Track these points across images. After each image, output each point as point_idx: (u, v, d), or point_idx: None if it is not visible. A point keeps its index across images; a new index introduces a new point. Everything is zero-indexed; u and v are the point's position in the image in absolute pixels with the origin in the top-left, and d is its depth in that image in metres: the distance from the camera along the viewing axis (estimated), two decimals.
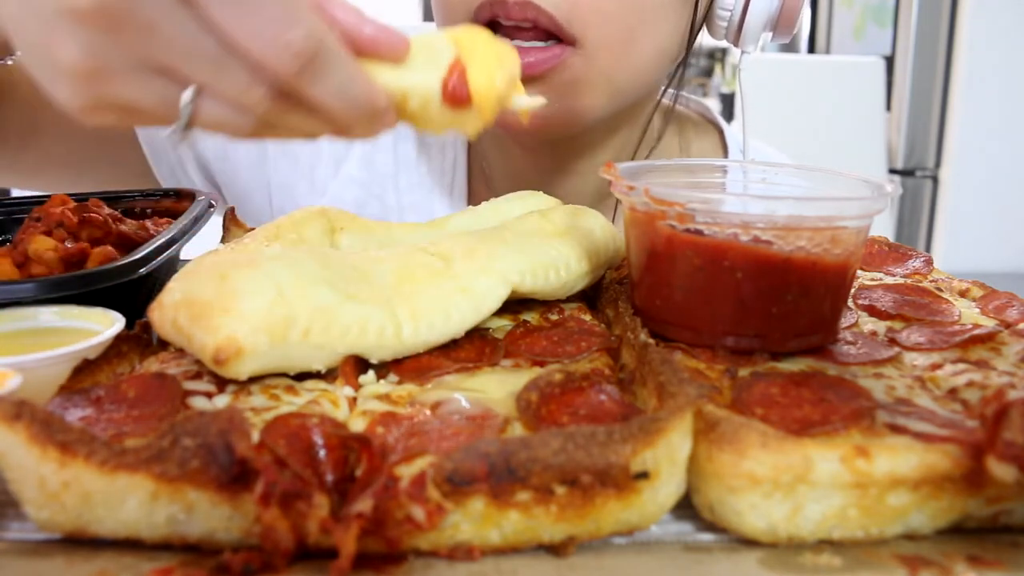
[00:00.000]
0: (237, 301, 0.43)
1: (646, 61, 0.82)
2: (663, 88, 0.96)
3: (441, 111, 0.51)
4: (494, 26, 0.76)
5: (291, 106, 0.49)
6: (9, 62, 0.73)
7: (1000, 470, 0.35)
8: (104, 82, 0.49)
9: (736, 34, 0.86)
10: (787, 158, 1.12)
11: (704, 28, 0.89)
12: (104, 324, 0.52)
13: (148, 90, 0.49)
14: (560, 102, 0.79)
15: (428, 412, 0.43)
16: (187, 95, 0.48)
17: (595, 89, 0.80)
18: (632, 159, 0.99)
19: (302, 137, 0.53)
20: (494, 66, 0.52)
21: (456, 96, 0.51)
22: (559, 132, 0.83)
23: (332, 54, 0.48)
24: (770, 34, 0.87)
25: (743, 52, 0.90)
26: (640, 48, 0.80)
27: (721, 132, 1.08)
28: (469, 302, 0.51)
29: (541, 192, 0.71)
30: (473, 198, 1.04)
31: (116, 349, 0.48)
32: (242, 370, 0.43)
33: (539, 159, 0.96)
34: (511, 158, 0.99)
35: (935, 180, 3.02)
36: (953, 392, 0.45)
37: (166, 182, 1.00)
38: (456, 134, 1.00)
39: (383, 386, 0.46)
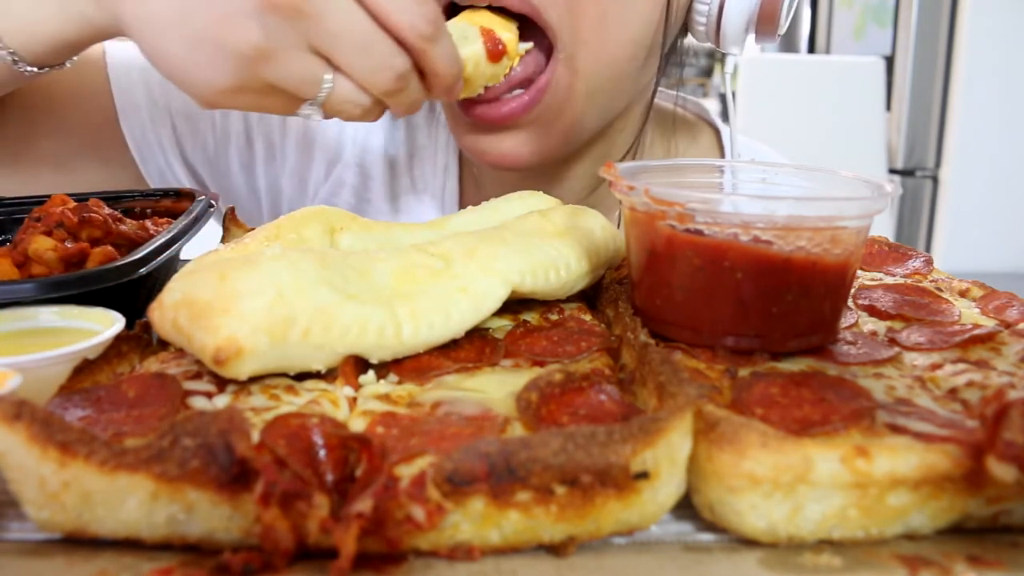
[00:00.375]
0: (237, 301, 0.43)
1: (620, 50, 0.81)
2: (653, 89, 0.95)
3: (486, 68, 0.73)
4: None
5: (409, 80, 0.63)
6: (26, 70, 0.73)
7: (1000, 470, 0.35)
8: (269, 62, 0.60)
9: (716, 34, 0.85)
10: (782, 157, 1.12)
11: (687, 30, 0.88)
12: (104, 324, 0.52)
13: (300, 68, 0.61)
14: (536, 136, 0.81)
15: (428, 412, 0.43)
16: (329, 74, 0.61)
17: (579, 96, 0.80)
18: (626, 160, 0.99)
19: (403, 111, 0.66)
20: (504, 26, 0.74)
21: (497, 52, 0.73)
22: (537, 162, 0.84)
23: (443, 25, 0.62)
24: (753, 35, 0.86)
25: (728, 55, 0.89)
26: (614, 37, 0.79)
27: (719, 133, 1.08)
28: (469, 302, 0.51)
29: (541, 192, 0.71)
30: (464, 203, 1.04)
31: (116, 349, 0.48)
32: (242, 370, 0.43)
33: (525, 171, 0.96)
34: (496, 170, 0.98)
35: (935, 180, 3.02)
36: (953, 392, 0.45)
37: (154, 183, 1.01)
38: (448, 138, 1.02)
39: (383, 386, 0.46)
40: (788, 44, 4.41)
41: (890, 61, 3.08)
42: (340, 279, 0.47)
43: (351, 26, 0.59)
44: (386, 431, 0.40)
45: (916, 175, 3.04)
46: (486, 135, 0.82)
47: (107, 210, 0.66)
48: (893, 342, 0.52)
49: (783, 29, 0.86)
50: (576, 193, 0.98)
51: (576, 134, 0.84)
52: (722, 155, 1.05)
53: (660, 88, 0.98)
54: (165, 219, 0.74)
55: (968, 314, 0.57)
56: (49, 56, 0.74)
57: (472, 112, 0.80)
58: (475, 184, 1.03)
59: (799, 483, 0.36)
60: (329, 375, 0.47)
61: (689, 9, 0.85)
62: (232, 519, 0.35)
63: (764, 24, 0.84)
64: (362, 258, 0.51)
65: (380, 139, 1.05)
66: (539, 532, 0.36)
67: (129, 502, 0.35)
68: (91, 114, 0.96)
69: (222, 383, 0.45)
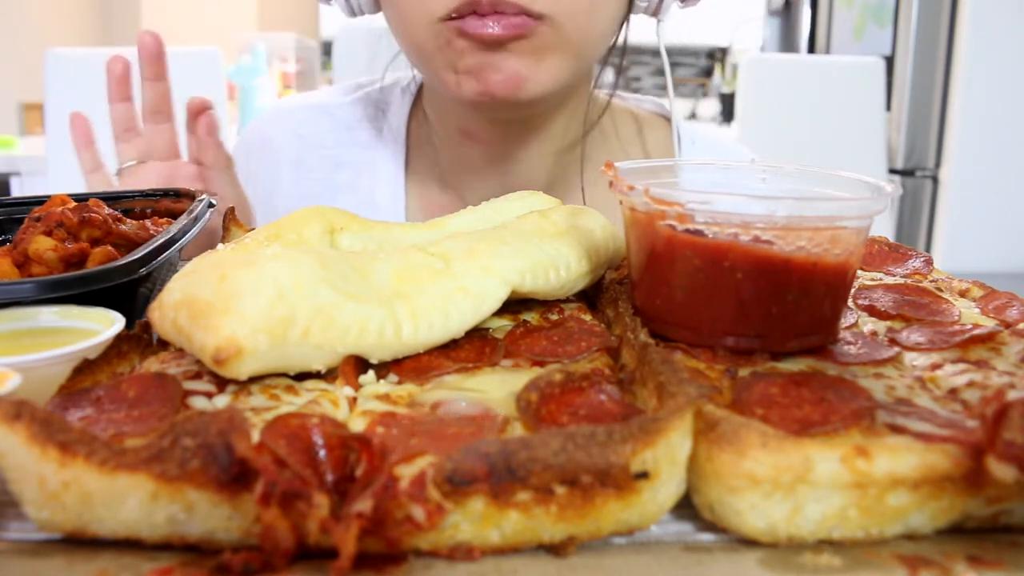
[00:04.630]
0: (237, 301, 0.43)
1: (605, 26, 0.90)
2: (599, 71, 1.03)
3: None
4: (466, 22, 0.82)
5: None
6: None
7: (1000, 470, 0.35)
8: None
9: (657, 5, 0.94)
10: (747, 148, 1.16)
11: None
12: (104, 324, 0.52)
13: None
14: (529, 65, 0.84)
15: (428, 412, 0.43)
16: None
17: (563, 53, 0.86)
18: (577, 146, 1.05)
19: None
20: None
21: None
22: (524, 97, 0.87)
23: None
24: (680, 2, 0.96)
25: (659, 21, 0.98)
26: (601, 15, 0.87)
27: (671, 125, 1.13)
28: (469, 302, 0.51)
29: (540, 192, 0.71)
30: (418, 193, 1.08)
31: (116, 349, 0.48)
32: (242, 370, 0.43)
33: (491, 150, 1.01)
34: (464, 151, 1.03)
35: (935, 180, 3.02)
36: (953, 392, 0.45)
37: None
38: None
39: (383, 386, 0.46)
40: (788, 44, 4.41)
41: (890, 61, 3.08)
42: (340, 279, 0.47)
43: None
44: (386, 431, 0.40)
45: (916, 175, 3.04)
46: (489, 54, 0.84)
47: (107, 210, 0.66)
48: (893, 342, 0.52)
49: None
50: (538, 184, 1.02)
51: (552, 77, 0.88)
52: (679, 144, 1.10)
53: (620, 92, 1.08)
54: (165, 219, 0.74)
55: (968, 314, 0.57)
56: None
57: (477, 29, 0.82)
58: (436, 173, 1.07)
59: (799, 483, 0.36)
60: (329, 375, 0.47)
61: None
62: (232, 519, 0.35)
63: None
64: (362, 258, 0.51)
65: (330, 138, 1.10)
66: (539, 532, 0.36)
67: (129, 502, 0.35)
68: None
69: (222, 383, 0.45)
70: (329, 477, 0.36)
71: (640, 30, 1.02)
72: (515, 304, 0.57)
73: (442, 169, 1.07)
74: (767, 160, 0.61)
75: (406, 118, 1.10)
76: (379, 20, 0.95)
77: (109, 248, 0.62)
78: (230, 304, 0.43)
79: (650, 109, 1.16)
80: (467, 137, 1.01)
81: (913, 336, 0.52)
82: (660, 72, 5.86)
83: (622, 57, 1.03)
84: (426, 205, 1.08)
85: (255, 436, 0.36)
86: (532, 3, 0.80)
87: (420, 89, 1.11)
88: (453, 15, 0.81)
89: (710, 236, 0.50)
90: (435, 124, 1.07)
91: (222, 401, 0.44)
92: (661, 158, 1.07)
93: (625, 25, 0.98)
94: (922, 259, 0.69)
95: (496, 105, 0.88)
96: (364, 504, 0.33)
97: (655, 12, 0.96)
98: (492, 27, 0.81)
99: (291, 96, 1.25)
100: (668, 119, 1.13)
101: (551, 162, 1.04)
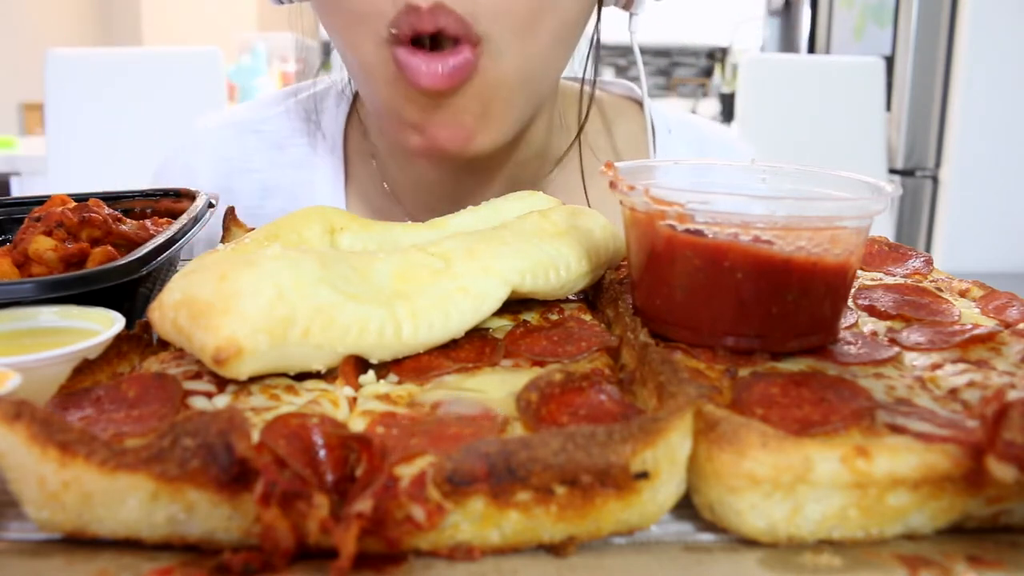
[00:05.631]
0: (237, 301, 0.43)
1: (551, 38, 0.80)
2: (565, 72, 0.94)
3: None
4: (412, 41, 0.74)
5: None
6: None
7: (1000, 470, 0.35)
8: None
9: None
10: (733, 133, 1.12)
11: None
12: (104, 324, 0.52)
13: None
14: (478, 116, 0.78)
15: (428, 412, 0.43)
16: None
17: (511, 90, 0.78)
18: (550, 151, 0.98)
19: None
20: None
21: None
22: (475, 151, 0.80)
23: None
24: None
25: (632, 14, 0.93)
26: (545, 26, 0.78)
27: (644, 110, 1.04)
28: (469, 302, 0.51)
29: (540, 192, 0.71)
30: (370, 216, 0.97)
31: (116, 349, 0.48)
32: (242, 370, 0.43)
33: (447, 168, 0.91)
34: (417, 167, 0.93)
35: (935, 180, 3.02)
36: (953, 392, 0.45)
37: None
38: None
39: (383, 386, 0.46)
40: (788, 44, 4.41)
41: (890, 61, 3.08)
42: (340, 279, 0.47)
43: None
44: (386, 431, 0.40)
45: (916, 175, 3.04)
46: (433, 109, 0.77)
47: (107, 210, 0.66)
48: (893, 342, 0.52)
49: None
50: (510, 188, 0.92)
51: (507, 115, 0.81)
52: (653, 131, 1.02)
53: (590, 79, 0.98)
54: (165, 219, 0.74)
55: (968, 314, 0.57)
56: None
57: (418, 80, 0.74)
58: (388, 196, 0.98)
59: (799, 483, 0.36)
60: (329, 375, 0.47)
61: None
62: (232, 519, 0.35)
63: None
64: (362, 258, 0.51)
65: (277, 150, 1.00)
66: (539, 532, 0.36)
67: (129, 502, 0.35)
68: None
69: (222, 383, 0.45)
70: (329, 477, 0.36)
71: (618, 30, 0.98)
72: (515, 304, 0.57)
73: (392, 189, 0.97)
74: (767, 160, 0.61)
75: (342, 129, 0.99)
76: None
77: (109, 248, 0.62)
78: (230, 304, 0.43)
79: (618, 92, 1.07)
80: (418, 156, 0.87)
81: (913, 336, 0.52)
82: (661, 72, 5.87)
83: (596, 50, 0.94)
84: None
85: (255, 436, 0.36)
86: (474, 19, 0.72)
87: (357, 95, 1.00)
88: (392, 30, 0.73)
89: (710, 236, 0.50)
90: (376, 139, 0.97)
91: (222, 401, 0.44)
92: (634, 150, 1.02)
93: (597, 20, 0.90)
94: (922, 259, 0.69)
95: (446, 157, 0.81)
96: (364, 504, 0.33)
97: (627, 6, 0.91)
98: (432, 76, 0.73)
99: (212, 115, 1.09)
100: (639, 103, 1.04)
101: (520, 171, 0.95)
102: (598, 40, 0.94)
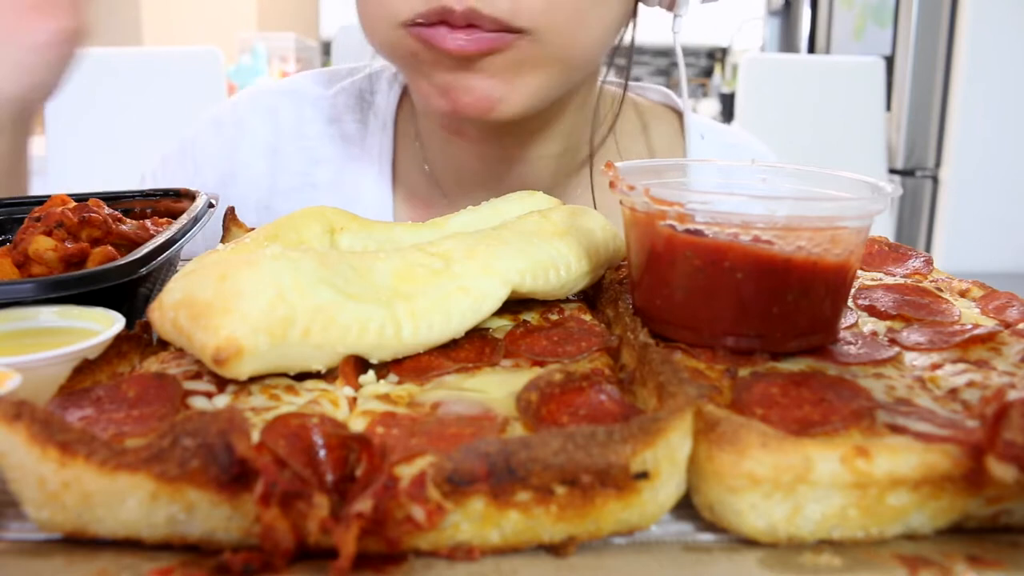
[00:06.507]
0: (237, 301, 0.43)
1: (597, 37, 0.82)
2: (606, 71, 0.97)
3: None
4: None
5: None
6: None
7: (1000, 470, 0.35)
8: None
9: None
10: (762, 143, 1.13)
11: None
12: (104, 324, 0.52)
13: None
14: (505, 82, 0.78)
15: (428, 412, 0.43)
16: None
17: (546, 68, 0.79)
18: (584, 147, 0.99)
19: None
20: None
21: None
22: (498, 118, 0.81)
23: None
24: None
25: (676, 16, 0.93)
26: (591, 26, 0.79)
27: (681, 117, 1.07)
28: (469, 302, 0.51)
29: (540, 192, 0.71)
30: (405, 197, 1.02)
31: (116, 349, 0.48)
32: (242, 370, 0.43)
33: (484, 149, 0.94)
34: (454, 150, 0.96)
35: (935, 180, 3.02)
36: (953, 392, 0.45)
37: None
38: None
39: (383, 386, 0.46)
40: (788, 44, 4.41)
41: (890, 61, 3.08)
42: (340, 279, 0.47)
43: None
44: (386, 431, 0.40)
45: (916, 175, 3.04)
46: (458, 72, 0.78)
47: (107, 210, 0.66)
48: (893, 342, 0.52)
49: None
50: (540, 186, 0.94)
51: (535, 93, 0.81)
52: (684, 140, 1.05)
53: (625, 81, 1.01)
54: (165, 219, 0.74)
55: (968, 314, 0.57)
56: None
57: (441, 42, 0.75)
58: (425, 176, 1.01)
59: (799, 483, 0.36)
60: (329, 375, 0.47)
61: None
62: (232, 519, 0.35)
63: None
64: (362, 258, 0.51)
65: (322, 132, 1.04)
66: (539, 532, 0.36)
67: (129, 502, 0.35)
68: None
69: (222, 383, 0.45)
70: (329, 477, 0.36)
71: (641, 29, 0.98)
72: (515, 304, 0.57)
73: (432, 170, 1.00)
74: (767, 160, 0.61)
75: (394, 110, 1.02)
76: None
77: (109, 248, 0.62)
78: (230, 304, 0.43)
79: (655, 99, 1.09)
80: (455, 135, 0.92)
81: (913, 336, 0.52)
82: (661, 72, 5.87)
83: (629, 57, 0.96)
84: (416, 205, 1.01)
85: (255, 436, 0.36)
86: (514, 18, 0.73)
87: None
88: (419, 20, 0.74)
89: (710, 236, 0.50)
90: (421, 118, 0.99)
91: (222, 401, 0.44)
92: (668, 155, 1.03)
93: (632, 24, 0.91)
94: (922, 259, 0.69)
95: (472, 122, 0.83)
96: (364, 504, 0.33)
97: (671, 6, 0.90)
98: (459, 40, 0.74)
99: (271, 80, 1.21)
100: (676, 111, 1.07)
101: (554, 164, 0.97)
102: (632, 41, 0.95)
